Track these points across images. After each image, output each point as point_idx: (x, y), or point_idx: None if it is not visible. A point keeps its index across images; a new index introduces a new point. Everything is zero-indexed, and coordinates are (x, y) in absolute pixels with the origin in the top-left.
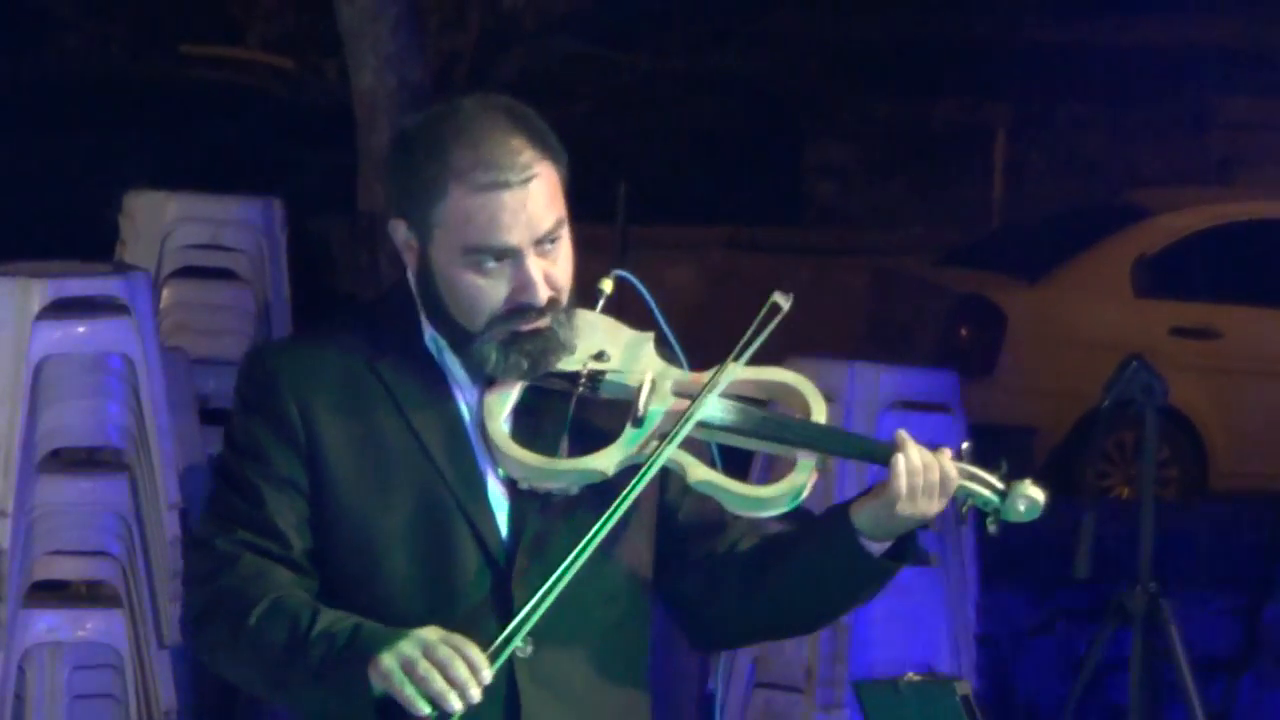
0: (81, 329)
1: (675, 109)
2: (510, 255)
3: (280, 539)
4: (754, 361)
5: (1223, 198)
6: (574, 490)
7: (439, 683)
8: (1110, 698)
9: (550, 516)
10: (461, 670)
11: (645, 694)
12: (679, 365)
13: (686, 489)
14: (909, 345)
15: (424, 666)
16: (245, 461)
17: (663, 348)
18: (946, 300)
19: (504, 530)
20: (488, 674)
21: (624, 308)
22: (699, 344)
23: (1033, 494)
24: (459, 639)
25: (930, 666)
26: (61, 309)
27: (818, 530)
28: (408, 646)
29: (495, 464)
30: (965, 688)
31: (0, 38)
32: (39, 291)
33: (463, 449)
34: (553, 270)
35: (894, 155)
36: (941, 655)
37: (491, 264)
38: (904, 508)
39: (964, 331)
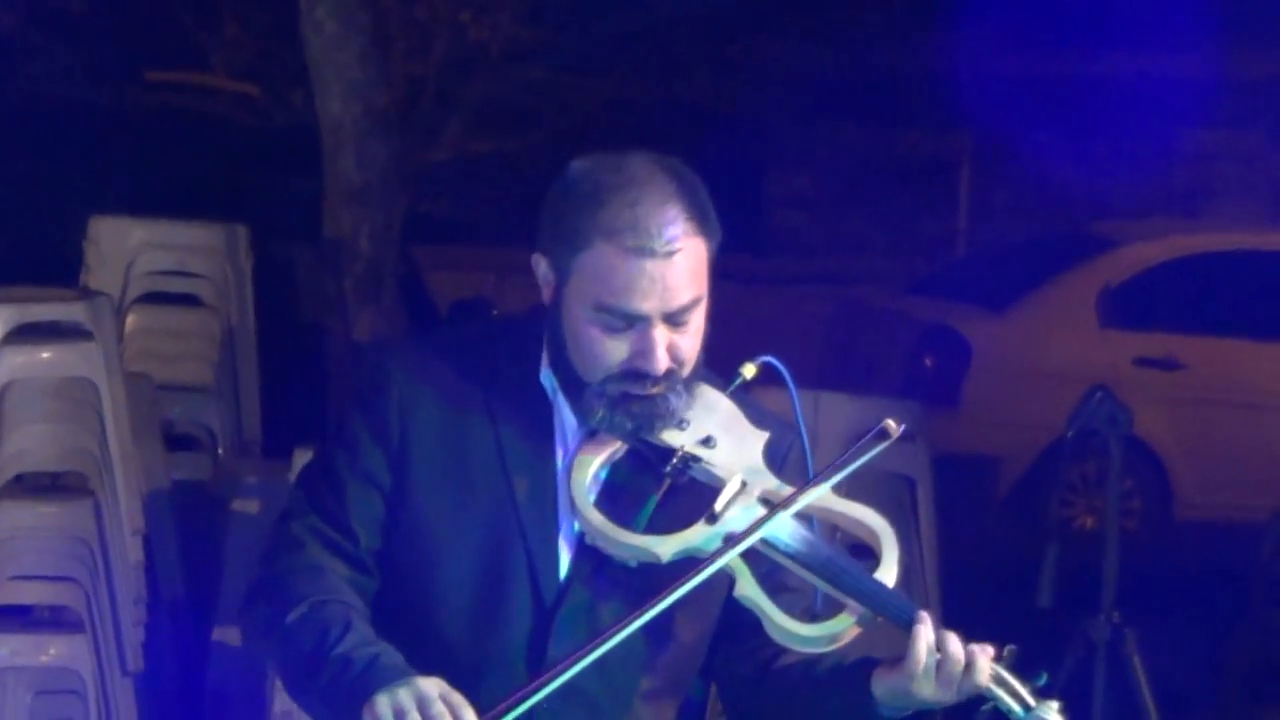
0: (46, 354)
1: (640, 137)
2: (638, 321)
3: (350, 535)
4: (848, 492)
5: (1187, 229)
6: (631, 564)
7: None
8: None
9: (607, 577)
10: None
11: None
12: (795, 466)
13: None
14: (874, 375)
15: (413, 718)
16: (339, 450)
17: (778, 451)
18: (911, 330)
19: (560, 578)
20: None
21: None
22: None
23: None
24: (457, 699)
25: None
26: (26, 334)
27: (840, 684)
28: (404, 694)
29: (571, 515)
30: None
31: None
32: (3, 317)
33: (546, 489)
34: (679, 342)
35: (859, 185)
36: None
37: (618, 325)
38: (920, 690)
39: (929, 361)
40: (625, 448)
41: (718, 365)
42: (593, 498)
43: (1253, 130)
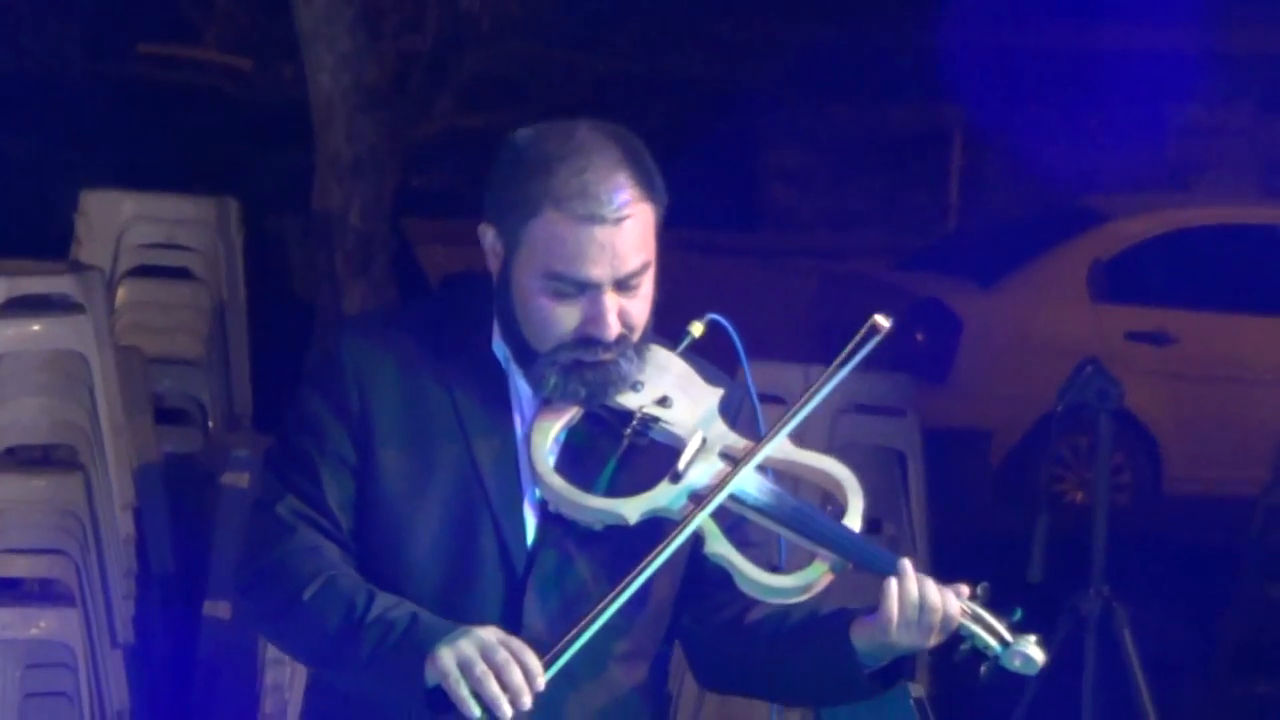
0: (36, 327)
1: (631, 112)
2: (589, 288)
3: (329, 516)
4: (803, 441)
5: (1179, 203)
6: (597, 527)
7: (494, 686)
8: (1064, 702)
9: (573, 542)
10: (517, 676)
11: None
12: (748, 423)
13: None
14: None
15: (481, 668)
16: (304, 435)
17: (731, 406)
18: (902, 304)
19: (528, 545)
20: (542, 682)
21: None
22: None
23: (1032, 653)
24: (517, 644)
25: None
26: (16, 307)
27: (817, 636)
28: (467, 645)
29: (533, 482)
30: (918, 690)
31: None
32: None
33: (508, 461)
34: (629, 308)
35: (850, 160)
36: None
37: (569, 292)
38: (897, 637)
39: (919, 336)
40: (582, 412)
41: (708, 338)
42: (553, 464)
43: (1243, 105)
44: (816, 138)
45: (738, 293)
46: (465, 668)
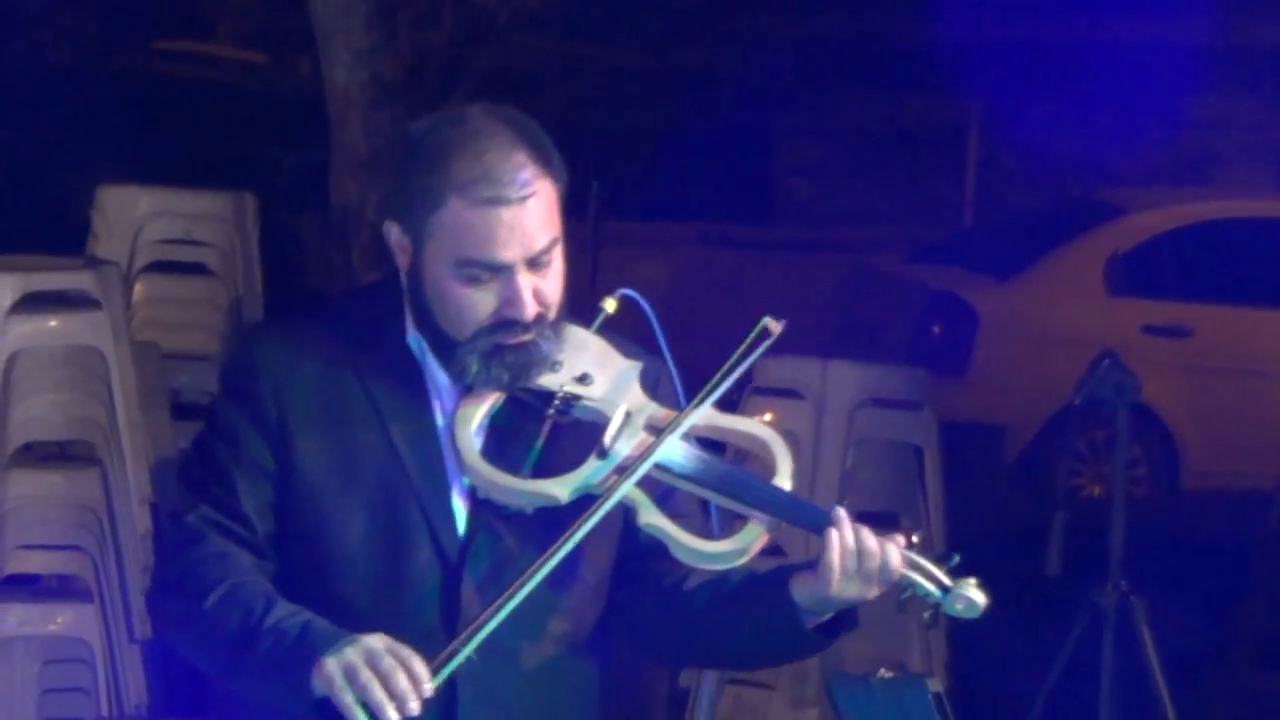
0: (53, 323)
1: (648, 105)
2: (502, 270)
3: (246, 523)
4: (730, 408)
5: (1195, 196)
6: (529, 510)
7: (378, 693)
8: (1081, 695)
9: (506, 528)
10: (402, 682)
11: (593, 706)
12: (669, 396)
13: None
14: (881, 343)
15: (366, 675)
16: (219, 444)
17: (650, 379)
18: (919, 298)
19: (460, 534)
20: (429, 688)
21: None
22: (669, 339)
23: (974, 596)
24: (405, 651)
25: (902, 664)
26: (33, 303)
27: (758, 594)
28: (352, 653)
29: (460, 472)
30: (937, 685)
31: None
32: (10, 286)
33: (432, 451)
34: (543, 286)
35: (866, 152)
36: (912, 652)
37: (482, 276)
38: (838, 588)
39: (936, 329)
40: (504, 397)
41: (707, 332)
42: (479, 450)
43: (1259, 97)
44: (832, 131)
45: (753, 286)
46: (350, 674)
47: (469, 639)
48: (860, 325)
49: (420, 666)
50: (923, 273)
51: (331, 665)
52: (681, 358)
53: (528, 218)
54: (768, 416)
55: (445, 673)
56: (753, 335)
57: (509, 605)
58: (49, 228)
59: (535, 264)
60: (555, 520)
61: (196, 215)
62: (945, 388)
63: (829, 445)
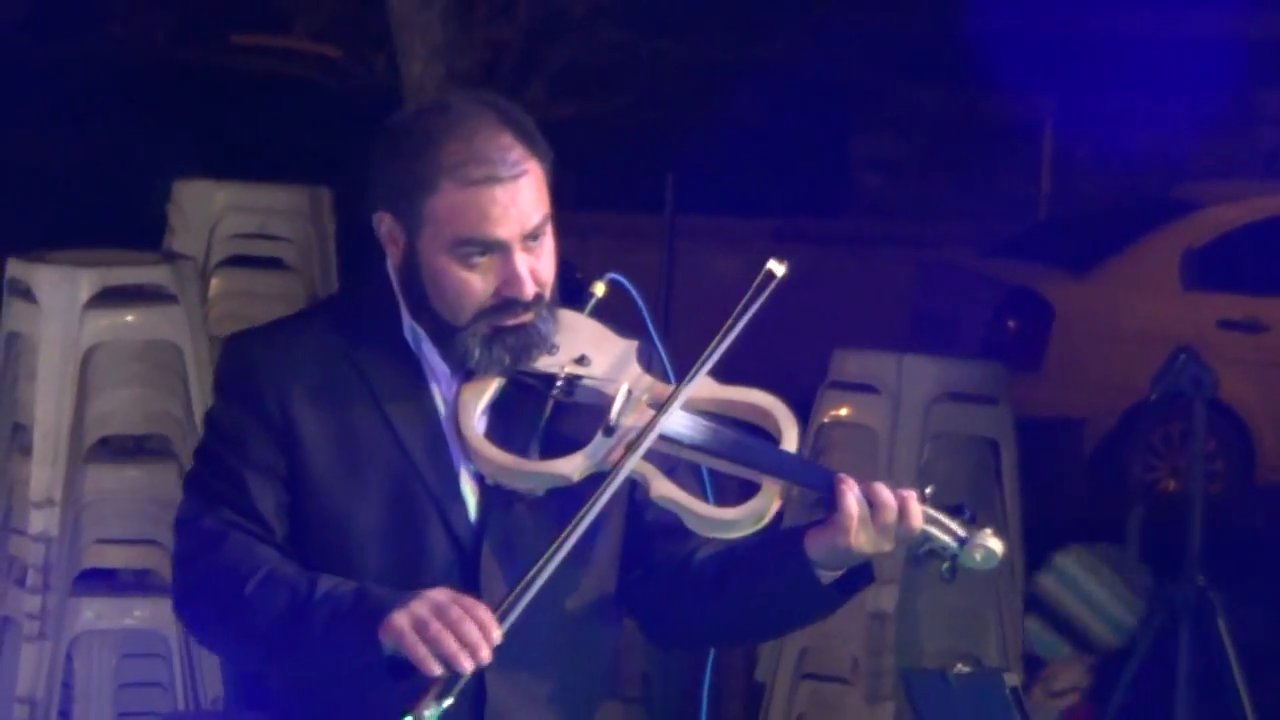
0: (130, 317)
1: (723, 99)
2: (498, 249)
3: (263, 524)
4: (727, 379)
5: (1270, 191)
6: (539, 492)
7: (451, 644)
8: (1158, 690)
9: (517, 512)
10: (473, 631)
11: (603, 686)
12: (661, 376)
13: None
14: (956, 337)
15: (436, 627)
16: (226, 448)
17: (644, 358)
18: (994, 292)
19: (472, 520)
20: (498, 634)
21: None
22: (743, 332)
23: (992, 544)
24: (469, 600)
25: (978, 658)
26: (110, 298)
27: (772, 554)
28: (419, 606)
29: (466, 458)
30: (1014, 679)
31: (48, 26)
32: (88, 280)
33: (436, 441)
34: (538, 266)
35: (941, 147)
36: (989, 647)
37: (479, 258)
38: (856, 543)
39: (1011, 324)
40: (504, 381)
41: (781, 327)
42: (484, 436)
43: None
44: (907, 125)
45: (828, 280)
46: (420, 628)
47: (523, 590)
48: (935, 320)
49: (486, 614)
50: (998, 267)
51: (401, 619)
52: (750, 349)
53: (520, 195)
54: (844, 411)
55: (509, 621)
56: (759, 279)
57: (556, 558)
58: (125, 222)
59: (530, 239)
60: (565, 501)
61: (272, 210)
62: (1021, 382)
63: (905, 440)
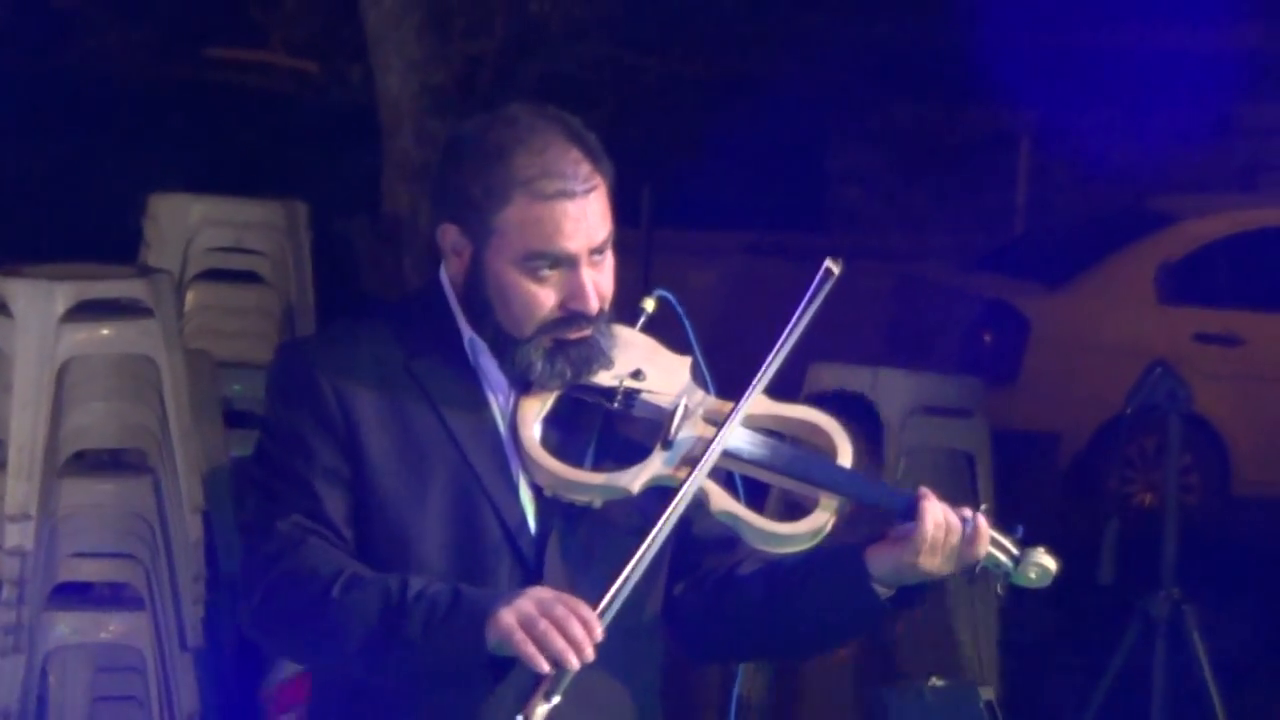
0: (106, 331)
1: (699, 113)
2: (566, 263)
3: (333, 528)
4: (779, 397)
5: (1246, 204)
6: (598, 504)
7: (559, 641)
8: (1133, 703)
9: (576, 522)
10: (578, 629)
11: (657, 699)
12: (709, 391)
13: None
14: (932, 351)
15: (544, 625)
16: (291, 457)
17: (697, 374)
18: (970, 306)
19: (533, 532)
20: (600, 632)
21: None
22: (721, 347)
23: (1045, 562)
24: (572, 598)
25: (953, 672)
26: (86, 311)
27: (830, 570)
28: (524, 603)
29: (525, 469)
30: (989, 693)
31: (26, 39)
32: (63, 294)
33: (496, 449)
34: (601, 281)
35: (918, 161)
36: (965, 661)
37: (547, 271)
38: (925, 563)
39: (987, 337)
40: (561, 395)
41: (756, 341)
42: (544, 448)
43: None
44: (883, 139)
45: (805, 294)
46: (528, 625)
47: (617, 593)
48: (911, 333)
49: (590, 613)
50: (974, 281)
51: (509, 617)
52: (728, 365)
53: (590, 209)
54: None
55: (607, 619)
56: (817, 279)
57: (646, 559)
58: (101, 236)
59: (594, 258)
60: (621, 513)
61: (248, 223)
62: (996, 396)
63: (881, 453)
